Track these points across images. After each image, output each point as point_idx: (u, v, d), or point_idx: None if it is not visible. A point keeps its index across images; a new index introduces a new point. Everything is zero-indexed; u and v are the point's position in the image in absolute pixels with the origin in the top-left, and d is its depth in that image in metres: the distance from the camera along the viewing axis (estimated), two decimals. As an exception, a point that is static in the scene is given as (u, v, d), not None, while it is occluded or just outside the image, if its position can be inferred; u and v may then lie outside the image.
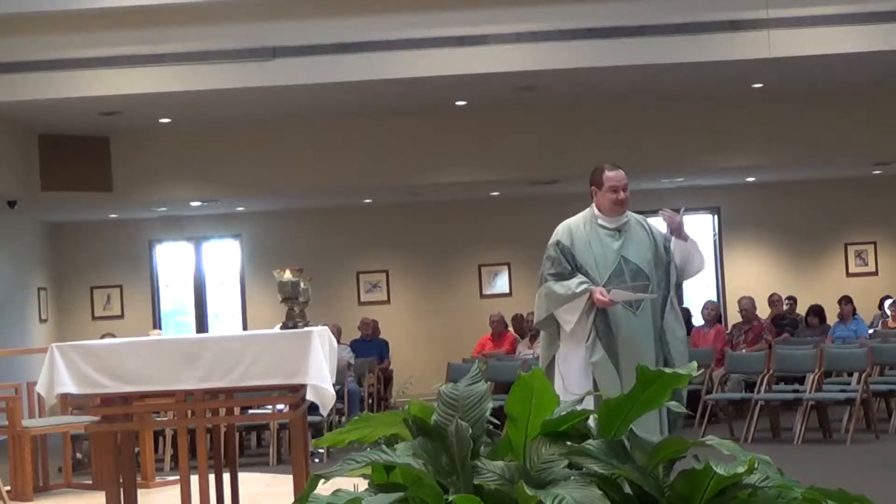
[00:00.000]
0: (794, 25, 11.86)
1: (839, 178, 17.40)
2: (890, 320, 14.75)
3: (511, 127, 14.79)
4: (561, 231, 6.03)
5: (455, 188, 16.00)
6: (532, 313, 14.36)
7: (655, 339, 5.90)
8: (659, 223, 6.31)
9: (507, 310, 16.09)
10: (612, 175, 5.99)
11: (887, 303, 15.24)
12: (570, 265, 5.92)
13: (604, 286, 5.83)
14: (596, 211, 6.04)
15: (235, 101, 12.96)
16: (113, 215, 17.06)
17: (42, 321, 16.93)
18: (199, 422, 6.34)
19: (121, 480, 6.40)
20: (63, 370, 6.13)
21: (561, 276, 5.90)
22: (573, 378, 5.87)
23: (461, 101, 13.87)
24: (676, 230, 6.09)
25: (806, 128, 14.88)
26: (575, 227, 6.01)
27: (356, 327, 15.85)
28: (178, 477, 7.02)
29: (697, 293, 17.72)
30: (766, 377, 11.53)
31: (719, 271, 18.29)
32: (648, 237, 6.04)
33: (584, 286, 5.80)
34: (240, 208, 17.34)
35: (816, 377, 11.35)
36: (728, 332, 14.12)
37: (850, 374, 12.22)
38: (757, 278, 17.66)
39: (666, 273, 6.03)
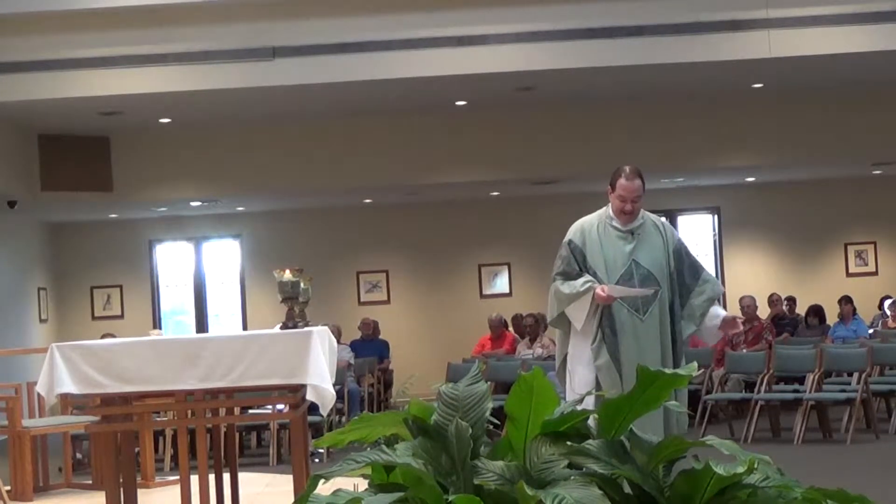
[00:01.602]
0: (794, 25, 11.86)
1: (839, 178, 17.40)
2: (890, 320, 14.75)
3: (511, 127, 14.79)
4: (574, 230, 6.01)
5: (455, 188, 16.00)
6: (531, 314, 14.43)
7: (662, 346, 5.84)
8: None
9: (507, 310, 16.09)
10: (624, 184, 5.91)
11: (887, 303, 15.24)
12: (578, 266, 5.90)
13: None
14: (610, 211, 6.00)
15: (235, 101, 12.96)
16: (113, 215, 17.06)
17: (42, 321, 16.93)
18: (199, 422, 6.34)
19: (121, 480, 6.40)
20: (63, 370, 6.12)
21: (568, 276, 5.89)
22: (579, 378, 5.87)
23: (461, 101, 13.87)
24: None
25: (806, 128, 14.88)
26: (588, 227, 5.98)
27: (356, 327, 15.85)
28: (178, 477, 7.02)
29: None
30: (766, 377, 11.52)
31: (719, 271, 18.28)
32: (663, 240, 5.99)
33: (589, 284, 5.79)
34: (240, 208, 17.34)
35: (816, 377, 11.35)
36: (728, 332, 14.09)
37: (850, 374, 12.22)
38: (757, 278, 17.65)
39: (672, 280, 5.97)
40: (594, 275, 5.85)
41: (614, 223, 5.96)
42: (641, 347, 5.78)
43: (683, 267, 5.97)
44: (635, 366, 5.54)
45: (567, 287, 5.86)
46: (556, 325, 6.07)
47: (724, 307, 18.06)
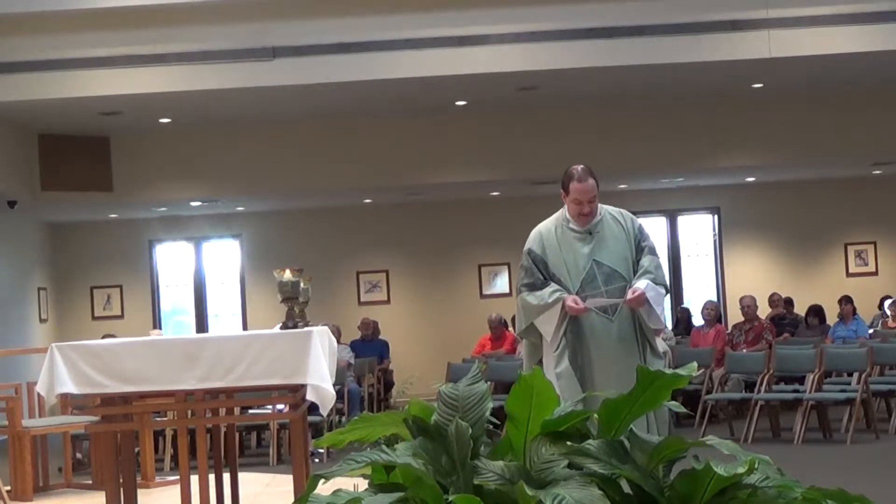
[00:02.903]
0: (794, 25, 11.87)
1: (839, 178, 17.41)
2: (890, 320, 14.74)
3: (511, 127, 14.79)
4: (532, 238, 5.87)
5: (455, 188, 16.00)
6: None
7: (638, 340, 5.70)
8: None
9: (507, 310, 16.04)
10: (577, 187, 5.76)
11: (887, 303, 15.23)
12: (542, 274, 5.76)
13: (577, 292, 5.65)
14: (567, 214, 5.84)
15: (235, 101, 12.96)
16: (113, 215, 17.07)
17: (42, 321, 16.93)
18: (199, 422, 6.34)
19: (121, 480, 6.41)
20: (63, 370, 6.12)
21: (534, 287, 5.76)
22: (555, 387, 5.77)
23: (461, 101, 13.87)
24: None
25: (806, 128, 14.89)
26: (546, 233, 5.83)
27: (356, 327, 15.85)
28: (178, 477, 7.02)
29: (697, 293, 17.73)
30: (766, 377, 11.52)
31: (719, 271, 18.29)
32: (624, 230, 5.81)
33: (557, 295, 5.66)
34: (240, 208, 17.34)
35: (816, 377, 11.35)
36: (728, 332, 14.10)
37: (850, 374, 12.22)
38: (757, 278, 17.65)
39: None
40: (558, 281, 5.71)
41: (571, 225, 5.79)
42: (617, 348, 5.63)
43: (642, 256, 5.79)
44: (612, 368, 5.53)
45: (534, 298, 5.74)
46: (526, 336, 5.94)
47: (724, 307, 18.15)
